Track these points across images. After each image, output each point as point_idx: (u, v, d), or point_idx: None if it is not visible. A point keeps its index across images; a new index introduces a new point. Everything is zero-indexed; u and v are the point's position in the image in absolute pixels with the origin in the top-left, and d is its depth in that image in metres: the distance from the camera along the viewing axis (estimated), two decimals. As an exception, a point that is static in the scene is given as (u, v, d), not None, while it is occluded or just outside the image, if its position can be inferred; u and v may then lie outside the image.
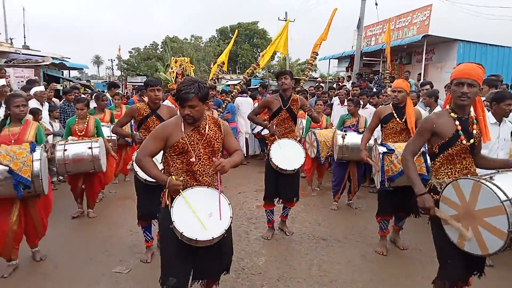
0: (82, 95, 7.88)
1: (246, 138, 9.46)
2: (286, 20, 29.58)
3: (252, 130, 9.20)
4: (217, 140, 2.72)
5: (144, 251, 4.13)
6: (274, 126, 4.46)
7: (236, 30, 8.77)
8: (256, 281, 3.58)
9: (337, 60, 19.79)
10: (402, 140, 4.17)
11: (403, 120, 4.17)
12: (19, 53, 15.59)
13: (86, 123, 5.13)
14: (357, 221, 5.30)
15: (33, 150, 3.50)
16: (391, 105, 4.29)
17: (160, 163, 2.79)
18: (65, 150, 4.76)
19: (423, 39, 13.06)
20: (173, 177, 2.58)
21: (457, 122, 2.56)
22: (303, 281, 3.59)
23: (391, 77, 11.28)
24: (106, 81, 31.93)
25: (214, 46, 43.92)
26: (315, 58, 7.91)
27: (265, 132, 8.11)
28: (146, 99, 4.99)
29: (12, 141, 3.63)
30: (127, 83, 29.52)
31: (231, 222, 2.57)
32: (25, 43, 23.09)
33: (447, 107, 2.66)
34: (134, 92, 12.27)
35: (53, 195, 4.14)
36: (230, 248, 2.82)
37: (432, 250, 3.11)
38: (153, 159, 2.68)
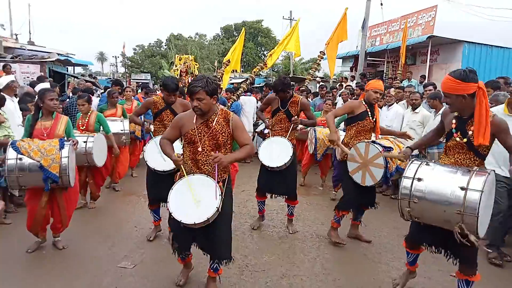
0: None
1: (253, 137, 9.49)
2: (290, 19, 29.44)
3: (255, 129, 9.23)
4: (223, 134, 3.00)
5: (149, 247, 4.23)
6: (272, 125, 4.71)
7: (243, 28, 8.72)
8: (260, 278, 3.62)
9: (341, 60, 19.78)
10: (368, 138, 4.27)
11: (374, 119, 4.23)
12: (24, 49, 15.66)
13: (88, 118, 5.32)
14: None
15: (62, 147, 3.79)
16: (363, 103, 4.25)
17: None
18: None
19: (428, 40, 13.06)
20: (176, 154, 3.01)
21: (454, 121, 2.87)
22: (306, 278, 3.64)
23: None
24: (111, 78, 32.01)
25: (218, 44, 43.95)
26: (322, 58, 7.89)
27: (267, 131, 8.15)
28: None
29: (45, 135, 3.93)
30: (131, 80, 29.59)
31: (216, 213, 2.85)
32: (30, 39, 23.16)
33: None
34: (138, 90, 12.26)
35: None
36: (225, 242, 3.09)
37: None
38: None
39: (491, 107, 4.59)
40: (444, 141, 3.01)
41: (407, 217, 2.93)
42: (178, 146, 3.46)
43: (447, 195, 2.63)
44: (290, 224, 4.91)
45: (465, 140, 2.81)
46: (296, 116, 4.62)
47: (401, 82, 10.92)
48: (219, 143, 3.00)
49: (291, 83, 4.67)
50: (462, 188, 2.57)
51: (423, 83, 10.43)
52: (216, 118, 2.99)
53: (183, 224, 2.87)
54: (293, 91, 4.86)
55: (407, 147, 3.24)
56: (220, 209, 2.89)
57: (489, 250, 3.93)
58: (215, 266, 3.20)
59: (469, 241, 2.54)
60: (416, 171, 2.84)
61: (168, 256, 4.00)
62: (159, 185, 4.06)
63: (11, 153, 3.65)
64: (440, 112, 5.70)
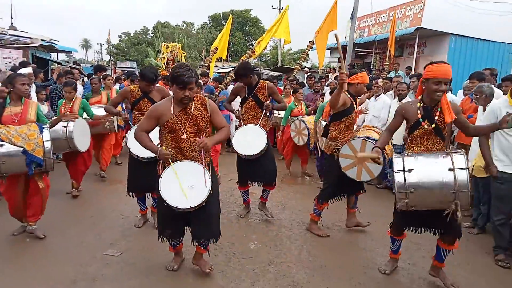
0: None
1: (236, 126, 9.45)
2: (279, 9, 29.24)
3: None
4: (202, 118, 3.07)
5: (136, 235, 4.23)
6: (242, 114, 4.67)
7: (231, 16, 8.62)
8: (247, 265, 3.64)
9: (329, 50, 19.77)
10: (353, 129, 4.27)
11: (356, 110, 4.24)
12: (6, 34, 15.18)
13: (72, 104, 5.28)
14: (345, 209, 5.38)
15: (41, 131, 3.75)
16: (348, 96, 4.10)
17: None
18: None
19: (415, 31, 13.14)
20: (164, 148, 3.00)
21: (418, 111, 3.06)
22: (293, 265, 3.67)
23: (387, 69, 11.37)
24: (95, 65, 31.36)
25: (206, 33, 43.48)
26: (311, 48, 7.87)
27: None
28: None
29: (16, 121, 3.79)
30: (117, 68, 29.07)
31: (209, 194, 2.98)
32: (12, 23, 22.47)
33: (419, 97, 3.13)
34: (124, 78, 12.03)
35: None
36: (217, 219, 3.25)
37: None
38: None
39: (475, 99, 4.71)
40: (407, 133, 3.19)
41: (402, 208, 3.04)
42: (155, 137, 3.27)
43: (440, 179, 2.88)
44: (264, 208, 4.87)
45: (433, 126, 3.02)
46: (266, 102, 4.61)
47: (388, 73, 11.00)
48: (200, 128, 3.08)
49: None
50: (450, 169, 2.85)
51: (409, 74, 10.53)
52: (194, 104, 3.05)
53: (179, 210, 2.95)
54: (260, 77, 4.91)
55: (375, 146, 3.24)
56: (211, 190, 3.01)
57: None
58: (205, 243, 3.25)
59: (456, 217, 2.86)
60: (403, 163, 3.00)
61: (155, 243, 3.96)
62: (142, 173, 4.03)
63: None
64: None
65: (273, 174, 4.70)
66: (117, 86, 7.91)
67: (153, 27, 45.71)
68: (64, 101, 5.34)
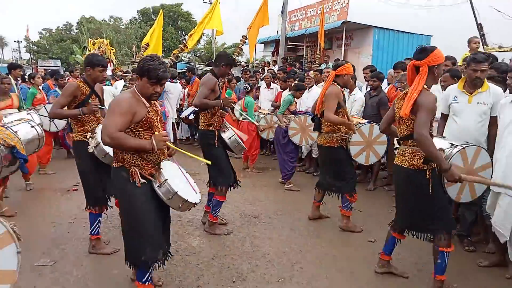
0: None
1: (172, 123, 9.27)
2: (210, 3, 29.04)
3: (179, 115, 9.05)
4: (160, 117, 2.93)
5: (71, 242, 3.97)
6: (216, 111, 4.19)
7: (161, 10, 8.37)
8: (191, 261, 3.62)
9: (263, 44, 20.05)
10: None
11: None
12: None
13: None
14: (285, 198, 5.56)
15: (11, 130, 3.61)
16: (339, 88, 4.18)
17: None
18: None
19: (342, 25, 13.76)
20: (156, 133, 2.66)
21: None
22: (237, 257, 3.71)
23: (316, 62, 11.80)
24: (13, 65, 28.68)
25: (136, 28, 41.86)
26: (244, 42, 7.92)
27: (192, 116, 7.96)
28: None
29: None
30: (38, 67, 26.84)
31: None
32: None
33: (424, 86, 2.85)
34: (48, 77, 11.16)
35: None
36: None
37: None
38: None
39: (401, 86, 5.08)
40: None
41: None
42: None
43: None
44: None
45: None
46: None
47: (319, 65, 11.42)
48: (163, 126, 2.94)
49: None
50: None
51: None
52: (155, 103, 2.87)
53: (188, 208, 2.82)
54: None
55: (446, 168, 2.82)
56: None
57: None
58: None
59: None
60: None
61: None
62: (104, 178, 3.55)
63: None
64: (355, 92, 6.13)
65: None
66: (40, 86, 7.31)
67: (77, 23, 43.03)
68: None
